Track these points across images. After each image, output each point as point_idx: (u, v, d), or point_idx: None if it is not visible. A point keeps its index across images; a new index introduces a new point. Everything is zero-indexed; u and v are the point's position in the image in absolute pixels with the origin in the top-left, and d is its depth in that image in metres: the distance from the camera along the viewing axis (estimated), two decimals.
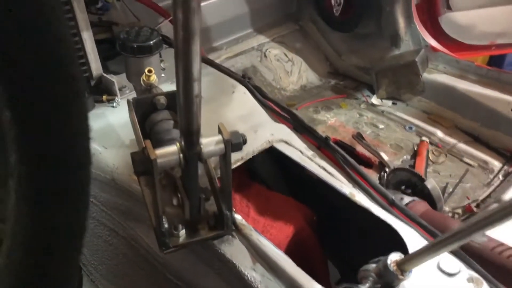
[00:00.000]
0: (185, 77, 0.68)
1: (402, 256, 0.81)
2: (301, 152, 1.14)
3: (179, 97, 0.71)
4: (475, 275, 0.86)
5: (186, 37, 0.60)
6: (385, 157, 1.87)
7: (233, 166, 1.10)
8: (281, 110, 1.25)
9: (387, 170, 1.74)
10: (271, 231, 1.07)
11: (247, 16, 2.36)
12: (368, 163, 1.91)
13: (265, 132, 1.18)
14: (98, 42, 1.31)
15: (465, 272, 0.86)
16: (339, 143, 2.00)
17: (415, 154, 1.93)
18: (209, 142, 0.81)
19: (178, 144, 0.79)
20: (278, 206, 1.13)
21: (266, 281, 0.89)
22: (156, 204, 0.83)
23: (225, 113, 1.25)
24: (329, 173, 1.09)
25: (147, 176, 0.87)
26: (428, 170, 1.87)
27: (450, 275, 0.85)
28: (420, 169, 1.81)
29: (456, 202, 1.74)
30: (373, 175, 1.83)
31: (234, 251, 0.93)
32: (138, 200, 1.06)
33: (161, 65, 1.39)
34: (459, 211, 1.69)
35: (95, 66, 1.27)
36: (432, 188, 1.57)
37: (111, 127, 1.21)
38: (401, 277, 0.80)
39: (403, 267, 0.80)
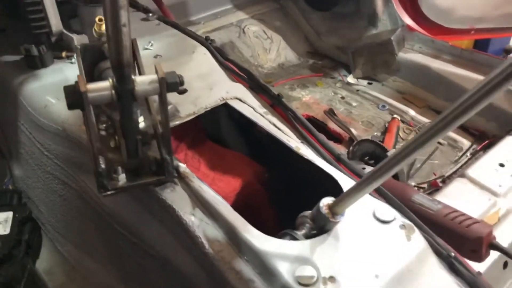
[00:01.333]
0: (111, 4, 0.67)
1: (334, 199, 0.81)
2: (254, 109, 1.14)
3: (106, 27, 0.71)
4: (408, 222, 0.86)
5: None
6: (355, 132, 1.88)
7: (185, 120, 1.10)
8: (239, 70, 1.25)
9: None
10: (219, 184, 1.08)
11: None
12: (338, 139, 1.91)
13: (220, 90, 1.18)
14: (61, 3, 1.31)
15: (399, 220, 0.86)
16: (311, 119, 2.00)
17: (385, 131, 1.93)
18: (144, 80, 0.81)
19: (110, 79, 0.79)
20: (229, 162, 1.13)
21: (204, 226, 0.89)
22: (91, 142, 0.83)
23: (182, 72, 1.24)
24: (279, 129, 1.09)
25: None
26: (397, 146, 1.87)
27: (384, 222, 0.86)
28: (388, 144, 1.81)
29: (423, 177, 1.74)
30: (341, 149, 1.84)
31: (175, 197, 0.93)
32: (87, 151, 1.06)
33: None
34: (425, 186, 1.70)
35: (55, 22, 1.26)
36: None
37: (67, 81, 1.20)
38: (332, 219, 0.80)
39: (334, 209, 0.80)
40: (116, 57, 0.73)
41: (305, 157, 1.01)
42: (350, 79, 2.26)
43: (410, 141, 0.64)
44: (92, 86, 0.78)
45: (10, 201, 1.38)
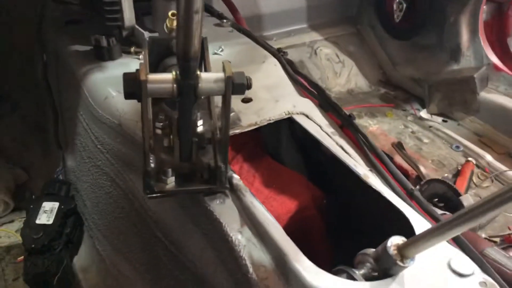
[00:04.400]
0: None
1: (405, 240, 0.70)
2: (320, 127, 1.04)
3: (178, 12, 0.64)
4: (490, 280, 0.72)
5: None
6: (423, 170, 1.73)
7: (246, 129, 1.02)
8: (310, 85, 1.17)
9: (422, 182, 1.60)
10: (272, 203, 0.98)
11: (304, 11, 2.30)
12: (404, 175, 1.76)
13: (286, 103, 1.10)
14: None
15: (478, 275, 0.73)
16: None
17: (457, 174, 1.77)
18: (209, 77, 0.74)
19: (174, 72, 0.72)
20: (286, 181, 1.04)
21: (251, 247, 0.80)
22: (144, 137, 0.77)
23: None
24: (346, 152, 0.99)
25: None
26: (469, 192, 1.70)
27: (461, 275, 0.73)
28: (460, 188, 1.65)
29: (496, 230, 1.57)
30: None
31: (224, 210, 0.85)
32: (140, 150, 1.01)
33: None
34: (497, 240, 1.52)
35: (129, 16, 1.24)
36: (468, 204, 1.42)
37: None
38: (400, 263, 0.69)
39: (404, 252, 0.69)
40: (184, 47, 0.67)
41: (374, 187, 0.89)
42: (424, 114, 2.12)
43: (500, 191, 0.53)
44: (153, 76, 0.72)
45: (58, 192, 1.35)
